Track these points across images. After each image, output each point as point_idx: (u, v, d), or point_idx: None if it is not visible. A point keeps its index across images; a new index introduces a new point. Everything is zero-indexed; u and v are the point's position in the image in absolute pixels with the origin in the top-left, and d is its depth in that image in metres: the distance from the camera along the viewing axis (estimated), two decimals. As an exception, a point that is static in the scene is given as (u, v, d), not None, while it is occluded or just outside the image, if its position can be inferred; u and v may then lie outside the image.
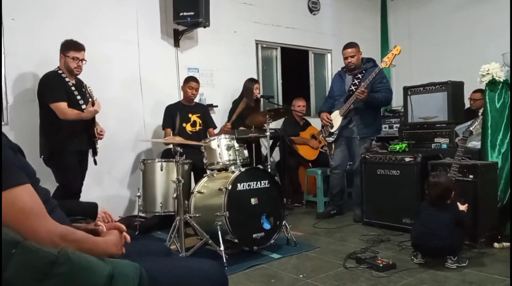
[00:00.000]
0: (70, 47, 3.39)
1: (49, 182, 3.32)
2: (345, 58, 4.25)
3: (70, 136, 3.33)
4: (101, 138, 3.54)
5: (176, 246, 3.11)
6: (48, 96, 3.30)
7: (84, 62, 3.45)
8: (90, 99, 3.25)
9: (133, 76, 4.56)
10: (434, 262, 2.82)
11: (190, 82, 4.38)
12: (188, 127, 4.36)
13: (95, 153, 3.51)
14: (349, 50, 4.20)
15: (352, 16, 6.67)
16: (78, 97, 3.39)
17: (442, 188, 2.85)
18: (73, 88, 3.39)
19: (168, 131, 4.33)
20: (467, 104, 5.10)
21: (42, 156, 3.39)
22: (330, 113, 4.34)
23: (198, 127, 4.41)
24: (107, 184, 4.30)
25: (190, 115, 4.39)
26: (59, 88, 3.31)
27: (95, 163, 3.53)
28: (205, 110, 4.60)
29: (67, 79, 3.38)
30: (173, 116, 4.31)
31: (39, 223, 1.17)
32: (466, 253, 2.90)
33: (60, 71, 3.39)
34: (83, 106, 3.36)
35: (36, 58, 3.81)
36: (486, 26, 5.74)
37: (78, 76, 3.53)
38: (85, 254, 1.16)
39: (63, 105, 3.27)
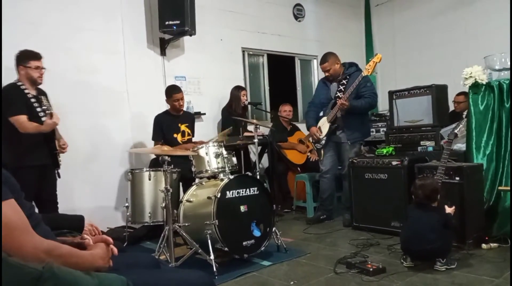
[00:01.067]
0: (30, 57, 3.29)
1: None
2: (323, 72, 4.32)
3: (29, 150, 3.22)
4: (63, 152, 3.45)
5: (166, 256, 3.08)
6: (7, 109, 3.18)
7: (44, 70, 3.34)
8: (47, 112, 3.17)
9: (120, 86, 4.53)
10: (423, 265, 2.84)
11: (173, 95, 4.23)
12: (179, 138, 4.29)
13: (57, 166, 3.41)
14: (324, 65, 4.25)
15: (337, 22, 6.74)
16: (38, 109, 3.28)
17: (429, 189, 2.88)
18: (33, 100, 3.28)
19: (159, 143, 4.24)
20: (451, 107, 5.17)
21: None
22: (317, 120, 4.36)
23: (187, 137, 4.36)
24: (94, 196, 4.25)
25: (180, 125, 4.34)
26: (19, 101, 3.20)
27: (59, 176, 3.45)
28: (193, 119, 4.56)
29: (26, 91, 3.27)
30: (162, 127, 4.28)
31: (24, 238, 1.16)
32: (454, 255, 2.94)
33: (19, 83, 3.27)
34: (44, 118, 3.26)
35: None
36: (467, 30, 5.87)
37: (42, 87, 3.43)
38: (71, 268, 1.15)
39: (23, 118, 3.16)
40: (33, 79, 3.30)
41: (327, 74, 4.28)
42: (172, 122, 4.30)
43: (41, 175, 3.33)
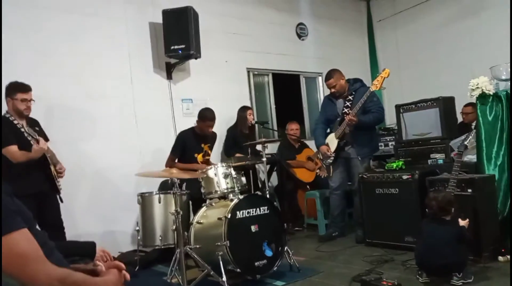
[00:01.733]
0: (17, 89, 3.28)
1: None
2: (329, 88, 4.34)
3: (23, 178, 3.17)
4: (61, 176, 3.43)
5: (178, 280, 3.05)
6: None
7: (32, 102, 3.34)
8: (33, 139, 3.17)
9: (128, 110, 4.59)
10: (439, 280, 2.78)
11: (207, 121, 4.27)
12: (200, 158, 4.32)
13: (57, 192, 3.39)
14: (330, 81, 4.27)
15: (340, 39, 6.79)
16: (29, 138, 3.27)
17: (443, 201, 2.85)
18: (22, 129, 3.29)
19: (174, 159, 4.26)
20: (460, 118, 5.14)
21: None
22: (326, 136, 4.36)
23: (206, 157, 4.40)
24: (104, 220, 4.25)
25: (202, 145, 4.38)
26: (8, 132, 3.20)
27: (61, 201, 3.44)
28: (215, 139, 4.59)
29: (16, 122, 3.29)
30: (185, 145, 4.30)
31: (37, 267, 1.16)
32: (471, 268, 2.87)
33: (8, 115, 3.30)
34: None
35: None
36: (470, 41, 5.87)
37: (34, 117, 3.44)
38: (84, 296, 1.15)
39: (14, 148, 3.16)
40: (19, 111, 3.29)
41: (333, 90, 4.30)
42: (197, 142, 4.34)
43: (40, 202, 3.30)
